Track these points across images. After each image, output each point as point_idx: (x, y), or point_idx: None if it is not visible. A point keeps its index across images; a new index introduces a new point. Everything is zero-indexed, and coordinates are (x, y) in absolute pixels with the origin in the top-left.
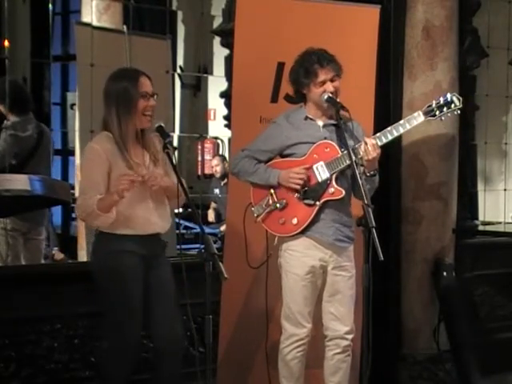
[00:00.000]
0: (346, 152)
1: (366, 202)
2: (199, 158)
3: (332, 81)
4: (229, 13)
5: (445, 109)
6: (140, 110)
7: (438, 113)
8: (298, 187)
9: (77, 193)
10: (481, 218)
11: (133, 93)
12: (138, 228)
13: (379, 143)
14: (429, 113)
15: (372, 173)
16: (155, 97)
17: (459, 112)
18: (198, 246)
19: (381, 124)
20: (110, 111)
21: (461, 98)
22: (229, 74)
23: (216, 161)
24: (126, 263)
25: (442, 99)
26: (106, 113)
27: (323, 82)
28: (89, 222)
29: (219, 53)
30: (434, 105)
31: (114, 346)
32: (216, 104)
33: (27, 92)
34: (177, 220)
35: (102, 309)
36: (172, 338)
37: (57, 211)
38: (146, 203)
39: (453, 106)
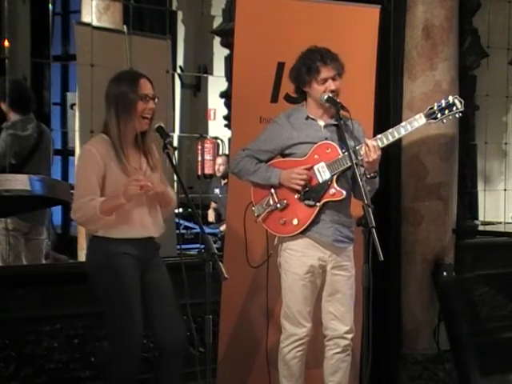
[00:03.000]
0: (346, 153)
1: (366, 202)
2: (199, 158)
3: (333, 79)
4: (229, 13)
5: (446, 111)
6: (139, 113)
7: (439, 115)
8: (300, 188)
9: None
10: (481, 217)
11: (132, 95)
12: (134, 232)
13: (380, 145)
14: (430, 115)
15: (372, 175)
16: (156, 100)
17: (461, 115)
18: (197, 245)
19: (381, 124)
20: (110, 114)
21: (462, 101)
22: (229, 74)
23: (221, 160)
24: (124, 264)
25: (443, 102)
26: (106, 115)
27: (325, 80)
28: (87, 225)
29: (219, 53)
30: (435, 107)
31: (118, 348)
32: (216, 104)
33: (30, 92)
34: (177, 220)
35: (102, 312)
36: (175, 338)
37: (57, 211)
38: (141, 208)
39: (454, 108)
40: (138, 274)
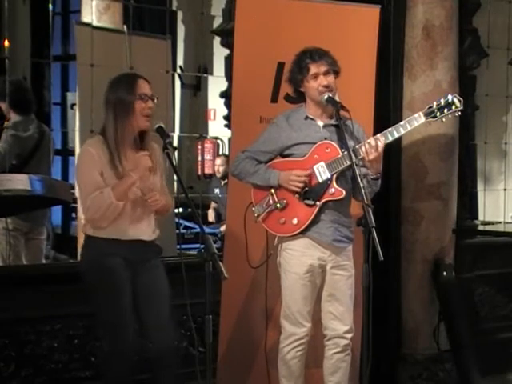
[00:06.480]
0: (346, 152)
1: (365, 202)
2: (199, 158)
3: (325, 74)
4: (229, 13)
5: (445, 110)
6: (138, 112)
7: (438, 114)
8: (299, 190)
9: (77, 193)
10: (481, 217)
11: (129, 96)
12: (122, 233)
13: (380, 144)
14: (429, 114)
15: (375, 176)
16: (155, 100)
17: (460, 113)
18: (198, 245)
19: (381, 124)
20: (108, 117)
21: (461, 100)
22: (229, 74)
23: (220, 160)
24: (113, 265)
25: (442, 100)
26: (105, 119)
27: (315, 76)
28: (101, 221)
29: (219, 53)
30: (434, 106)
31: (110, 348)
32: (216, 104)
33: (31, 93)
34: (177, 220)
35: (94, 311)
36: (162, 343)
37: (57, 211)
38: (133, 210)
39: (453, 107)
40: (128, 276)
